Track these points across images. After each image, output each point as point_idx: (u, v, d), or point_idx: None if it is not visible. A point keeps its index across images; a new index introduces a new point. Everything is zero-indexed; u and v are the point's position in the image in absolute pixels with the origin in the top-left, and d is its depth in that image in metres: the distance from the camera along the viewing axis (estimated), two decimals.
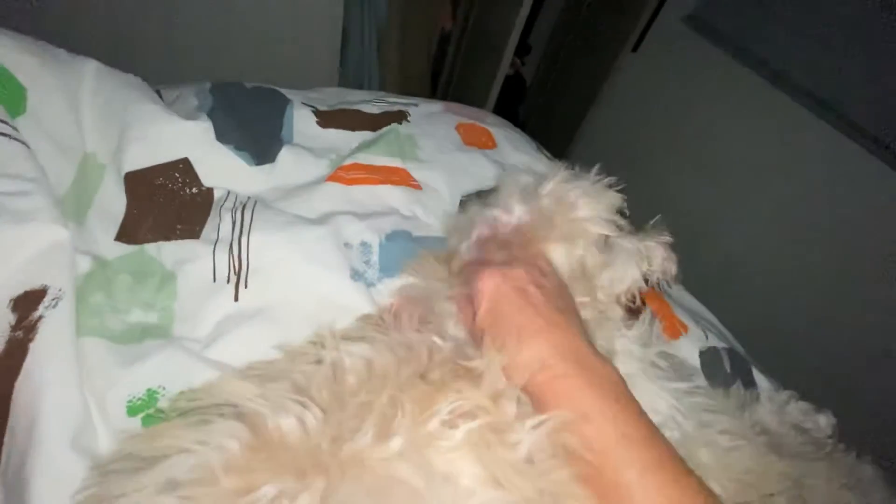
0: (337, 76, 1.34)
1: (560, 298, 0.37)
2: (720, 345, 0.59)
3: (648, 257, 0.50)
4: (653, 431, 0.30)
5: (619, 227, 0.48)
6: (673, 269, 0.51)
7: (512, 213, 0.47)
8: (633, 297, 0.50)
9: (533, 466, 0.28)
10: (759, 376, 0.58)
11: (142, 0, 1.08)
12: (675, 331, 0.57)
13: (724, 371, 0.56)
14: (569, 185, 0.47)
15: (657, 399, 0.37)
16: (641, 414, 0.31)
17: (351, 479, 0.25)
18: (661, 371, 0.39)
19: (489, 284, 0.36)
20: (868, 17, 0.99)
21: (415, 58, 1.66)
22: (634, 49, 1.45)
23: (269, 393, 0.28)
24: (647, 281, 0.50)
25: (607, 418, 0.29)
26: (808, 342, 1.14)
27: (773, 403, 0.48)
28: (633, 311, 0.50)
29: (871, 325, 1.03)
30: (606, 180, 0.49)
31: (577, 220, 0.45)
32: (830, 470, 0.41)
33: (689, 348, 0.57)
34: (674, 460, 0.29)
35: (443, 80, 1.81)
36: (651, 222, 0.51)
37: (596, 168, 0.50)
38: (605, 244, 0.48)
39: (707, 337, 0.59)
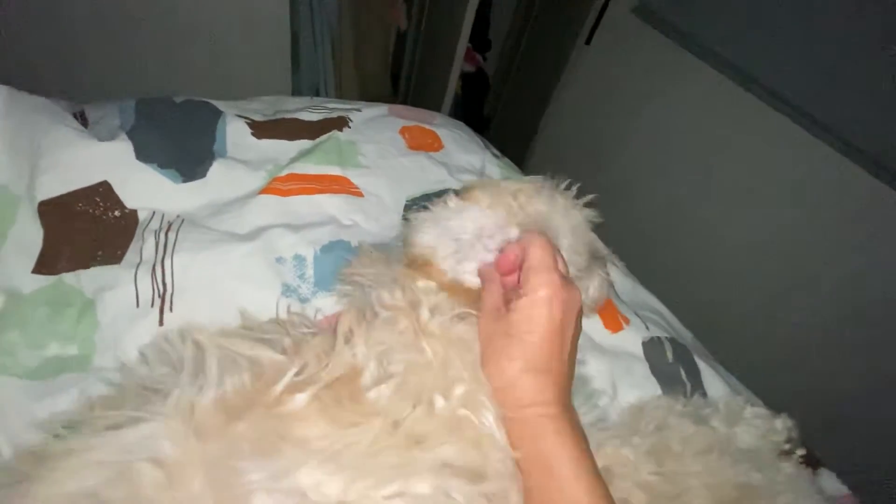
0: (290, 82, 1.31)
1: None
2: (662, 335, 0.59)
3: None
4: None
5: None
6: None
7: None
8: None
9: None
10: (701, 363, 0.59)
11: (85, 7, 1.05)
12: (618, 324, 0.58)
13: (666, 360, 0.57)
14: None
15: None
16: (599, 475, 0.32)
17: None
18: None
19: (550, 292, 0.34)
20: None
21: (372, 58, 1.64)
22: (588, 42, 1.45)
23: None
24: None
25: (577, 475, 0.31)
26: (773, 343, 1.17)
27: (729, 412, 0.48)
28: None
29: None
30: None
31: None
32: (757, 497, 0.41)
33: (632, 339, 0.57)
34: None
35: (403, 80, 1.79)
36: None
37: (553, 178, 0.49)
38: None
39: (648, 328, 0.59)
